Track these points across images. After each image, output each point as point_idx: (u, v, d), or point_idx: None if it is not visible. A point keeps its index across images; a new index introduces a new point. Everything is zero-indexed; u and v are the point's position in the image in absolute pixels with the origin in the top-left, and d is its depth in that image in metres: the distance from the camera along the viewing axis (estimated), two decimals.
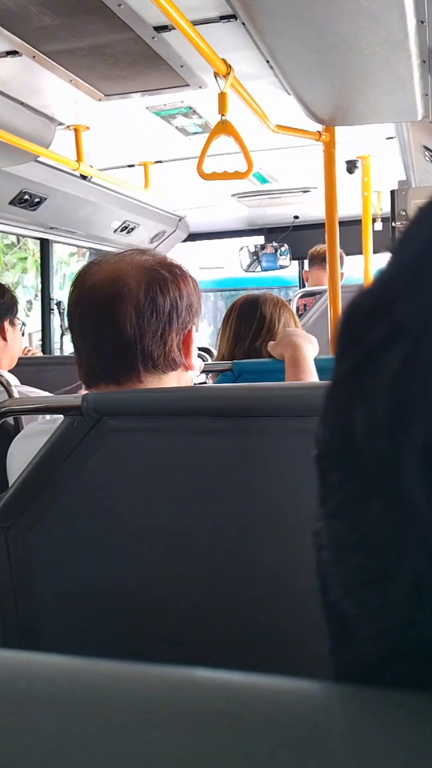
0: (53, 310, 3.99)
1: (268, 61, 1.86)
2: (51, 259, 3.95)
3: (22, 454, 0.97)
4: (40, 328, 4.09)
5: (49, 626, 0.94)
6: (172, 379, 0.99)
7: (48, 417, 1.11)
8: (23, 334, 1.98)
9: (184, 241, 4.72)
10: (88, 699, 0.22)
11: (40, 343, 4.15)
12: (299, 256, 4.47)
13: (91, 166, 2.77)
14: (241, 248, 4.49)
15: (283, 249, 4.38)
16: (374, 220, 3.44)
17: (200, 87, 2.12)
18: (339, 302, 2.35)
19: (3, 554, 0.91)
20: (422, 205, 0.24)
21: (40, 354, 3.59)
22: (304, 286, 4.07)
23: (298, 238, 4.46)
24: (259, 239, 4.67)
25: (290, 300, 3.54)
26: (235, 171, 1.92)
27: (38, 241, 3.91)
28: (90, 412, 0.86)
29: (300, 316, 3.26)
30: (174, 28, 1.64)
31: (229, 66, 1.74)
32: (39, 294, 4.14)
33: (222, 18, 1.69)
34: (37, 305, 4.20)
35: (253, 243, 4.52)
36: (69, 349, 4.07)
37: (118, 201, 3.58)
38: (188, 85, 2.10)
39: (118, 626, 0.90)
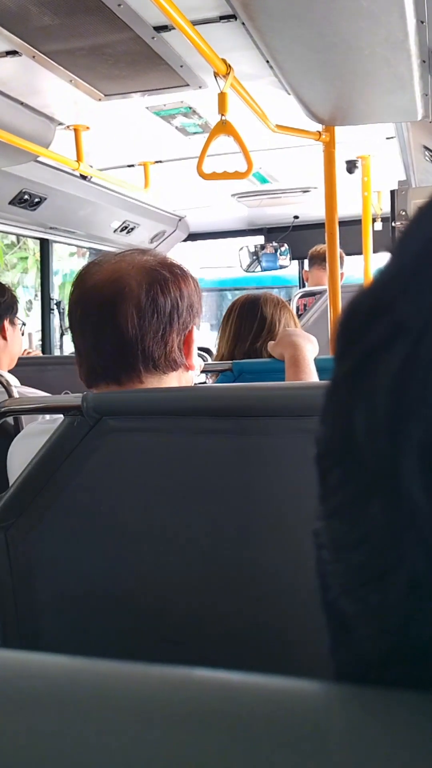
0: (53, 310, 3.99)
1: (267, 61, 1.86)
2: (51, 259, 3.95)
3: (22, 454, 0.97)
4: (39, 328, 4.09)
5: (49, 626, 0.94)
6: (173, 380, 0.99)
7: (48, 417, 1.11)
8: (23, 334, 1.97)
9: (184, 241, 4.72)
10: (88, 699, 0.22)
11: (40, 343, 4.15)
12: (299, 256, 4.47)
13: (91, 166, 2.77)
14: (241, 248, 4.49)
15: (283, 249, 4.38)
16: (374, 220, 3.44)
17: (200, 87, 2.12)
18: (339, 302, 2.35)
19: (3, 554, 0.91)
20: (422, 204, 0.24)
21: (39, 354, 3.59)
22: (303, 286, 4.08)
23: (298, 238, 4.46)
24: (259, 239, 4.67)
25: (290, 300, 3.54)
26: (235, 171, 1.92)
27: (38, 241, 3.91)
28: (90, 411, 0.86)
29: (300, 316, 3.26)
30: (174, 28, 1.64)
31: (229, 66, 1.74)
32: (39, 294, 4.14)
33: (222, 18, 1.69)
34: (37, 305, 4.20)
35: (253, 243, 4.52)
36: (69, 349, 4.07)
37: (117, 201, 3.58)
38: (188, 85, 2.10)
39: (118, 626, 0.90)
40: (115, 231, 3.91)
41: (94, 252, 4.39)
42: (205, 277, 7.80)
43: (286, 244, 4.40)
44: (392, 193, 2.63)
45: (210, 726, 0.20)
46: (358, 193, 3.03)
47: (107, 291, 0.94)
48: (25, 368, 2.01)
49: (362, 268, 3.18)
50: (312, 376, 1.52)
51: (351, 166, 3.19)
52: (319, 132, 2.29)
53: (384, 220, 3.80)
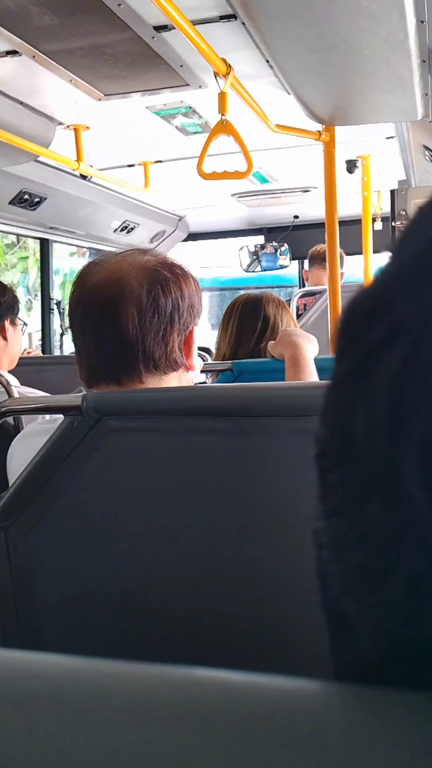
0: (53, 309, 3.99)
1: (267, 61, 1.86)
2: (51, 259, 3.95)
3: (22, 453, 0.97)
4: (39, 328, 4.09)
5: (49, 626, 0.94)
6: (173, 380, 0.99)
7: (48, 417, 1.11)
8: (23, 333, 1.97)
9: (184, 240, 4.72)
10: (88, 699, 0.22)
11: (40, 343, 4.15)
12: (299, 256, 4.47)
13: (91, 166, 2.77)
14: (241, 248, 4.49)
15: (282, 249, 4.38)
16: (374, 220, 3.44)
17: (200, 87, 2.12)
18: (339, 302, 2.35)
19: (3, 554, 0.91)
20: (422, 204, 0.24)
21: (39, 354, 3.59)
22: (303, 286, 4.08)
23: (297, 237, 4.46)
24: (259, 239, 4.67)
25: (290, 299, 3.54)
26: (235, 171, 1.92)
27: (38, 241, 3.91)
28: (90, 411, 0.86)
29: (300, 315, 3.26)
30: (174, 28, 1.64)
31: (229, 66, 1.74)
32: (39, 294, 4.14)
33: (222, 18, 1.69)
34: (37, 305, 4.20)
35: (253, 243, 4.52)
36: (69, 349, 4.07)
37: (117, 201, 3.58)
38: (188, 84, 2.10)
39: (118, 626, 0.90)
40: (115, 231, 3.91)
41: (94, 252, 4.40)
42: (205, 276, 7.80)
43: (286, 244, 4.40)
44: (392, 192, 2.63)
45: (210, 725, 0.20)
46: (358, 192, 3.03)
47: (108, 291, 0.94)
48: (25, 368, 2.01)
49: (362, 267, 3.18)
50: (312, 376, 1.52)
51: (351, 165, 3.19)
52: (319, 132, 2.29)
53: (384, 219, 3.80)
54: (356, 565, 0.22)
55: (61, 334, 4.07)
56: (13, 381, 1.57)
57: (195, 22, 1.59)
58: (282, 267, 4.47)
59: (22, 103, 2.24)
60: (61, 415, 0.89)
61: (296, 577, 0.78)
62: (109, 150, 2.88)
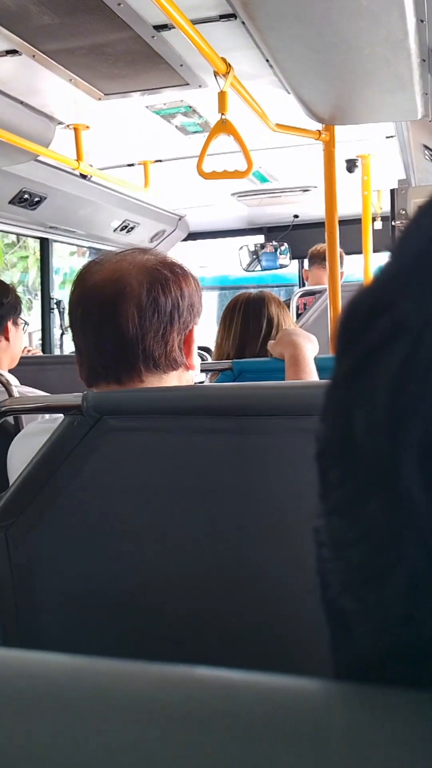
0: (53, 309, 3.99)
1: (267, 61, 1.86)
2: (51, 259, 3.95)
3: (23, 453, 0.97)
4: (39, 327, 4.09)
5: (49, 625, 0.94)
6: (173, 379, 0.99)
7: (48, 416, 1.11)
8: (24, 332, 1.97)
9: (184, 240, 4.72)
10: (88, 698, 0.22)
11: (40, 342, 4.15)
12: (299, 255, 4.47)
13: (91, 166, 2.77)
14: (241, 247, 4.49)
15: (282, 248, 4.38)
16: (374, 219, 3.43)
17: (200, 86, 2.12)
18: (339, 301, 2.35)
19: (3, 553, 0.91)
20: (422, 204, 0.24)
21: (39, 353, 3.59)
22: (303, 285, 4.08)
23: (297, 237, 4.46)
24: (259, 238, 4.67)
25: (290, 299, 3.54)
26: (235, 170, 1.92)
27: (38, 240, 3.91)
28: (90, 411, 0.86)
29: (300, 315, 3.26)
30: (174, 27, 1.64)
31: (229, 65, 1.73)
32: (38, 293, 4.14)
33: (222, 17, 1.69)
34: (37, 304, 4.20)
35: (253, 242, 4.52)
36: (68, 348, 4.07)
37: (117, 200, 3.58)
38: (188, 84, 2.10)
39: (118, 625, 0.90)
40: (115, 230, 3.91)
41: (94, 251, 4.39)
42: (206, 275, 7.80)
43: (286, 243, 4.40)
44: (392, 192, 2.63)
45: (211, 724, 0.20)
46: (358, 192, 3.03)
47: (108, 290, 0.95)
48: (25, 368, 2.01)
49: (362, 267, 3.18)
50: (312, 376, 1.52)
51: (351, 165, 3.19)
52: (319, 131, 2.29)
53: (384, 219, 3.80)
54: (356, 564, 0.22)
55: (61, 334, 4.07)
56: (13, 380, 1.57)
57: (195, 22, 1.59)
58: (282, 266, 4.47)
59: (22, 102, 2.24)
60: (61, 415, 0.89)
61: (296, 576, 0.78)
62: (109, 149, 2.88)
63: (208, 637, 0.86)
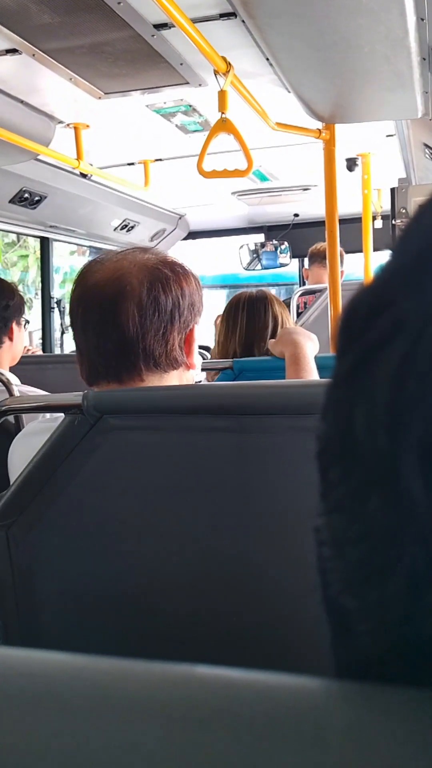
0: (53, 308, 3.99)
1: (267, 59, 1.86)
2: (51, 258, 3.95)
3: (23, 452, 0.97)
4: (40, 326, 4.09)
5: (50, 624, 0.94)
6: (174, 378, 0.99)
7: (48, 415, 1.11)
8: (25, 331, 1.98)
9: (184, 239, 4.72)
10: (89, 696, 0.22)
11: (41, 341, 4.15)
12: (299, 254, 4.47)
13: (91, 165, 2.77)
14: (242, 246, 4.48)
15: (283, 247, 4.38)
16: (374, 218, 3.43)
17: (200, 85, 2.12)
18: (339, 300, 2.35)
19: (4, 552, 0.91)
20: (422, 202, 0.24)
21: (40, 352, 3.59)
22: (304, 284, 4.07)
23: (298, 236, 4.46)
24: (259, 237, 4.67)
25: (290, 297, 3.54)
26: (235, 169, 1.92)
27: (38, 239, 3.91)
28: (90, 410, 0.86)
29: (300, 314, 3.26)
30: (174, 26, 1.64)
31: (229, 64, 1.73)
32: (39, 292, 4.14)
33: (222, 16, 1.69)
34: (37, 303, 4.20)
35: (253, 241, 4.52)
36: (69, 347, 4.08)
37: (118, 199, 3.58)
38: (188, 83, 2.10)
39: (119, 624, 0.90)
40: (115, 229, 3.91)
41: (94, 250, 4.39)
42: (206, 273, 7.79)
43: (286, 242, 4.40)
44: (392, 190, 2.63)
45: (212, 722, 0.20)
46: (358, 190, 3.03)
47: (109, 289, 0.95)
48: (26, 367, 2.02)
49: (362, 266, 3.18)
50: (312, 374, 1.52)
51: (351, 163, 3.19)
52: (319, 130, 2.29)
53: (384, 217, 3.79)
54: (356, 563, 0.22)
55: (62, 333, 4.07)
56: (14, 380, 1.57)
57: (195, 20, 1.59)
58: (282, 265, 4.46)
59: (22, 101, 2.24)
60: (62, 414, 0.89)
61: (297, 574, 0.78)
62: (109, 148, 2.88)
63: (208, 636, 0.86)
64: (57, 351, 4.04)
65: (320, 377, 1.53)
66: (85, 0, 1.57)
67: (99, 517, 0.90)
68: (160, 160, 3.08)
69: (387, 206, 3.04)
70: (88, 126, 2.51)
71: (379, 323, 0.21)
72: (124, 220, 3.87)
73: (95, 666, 0.23)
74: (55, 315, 4.00)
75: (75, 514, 0.90)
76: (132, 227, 4.00)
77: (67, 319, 3.91)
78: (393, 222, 2.61)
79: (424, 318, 0.20)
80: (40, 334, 4.14)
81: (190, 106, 2.37)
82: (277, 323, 1.82)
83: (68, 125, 2.49)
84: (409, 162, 2.92)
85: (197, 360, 1.03)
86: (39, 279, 4.12)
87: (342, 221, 2.40)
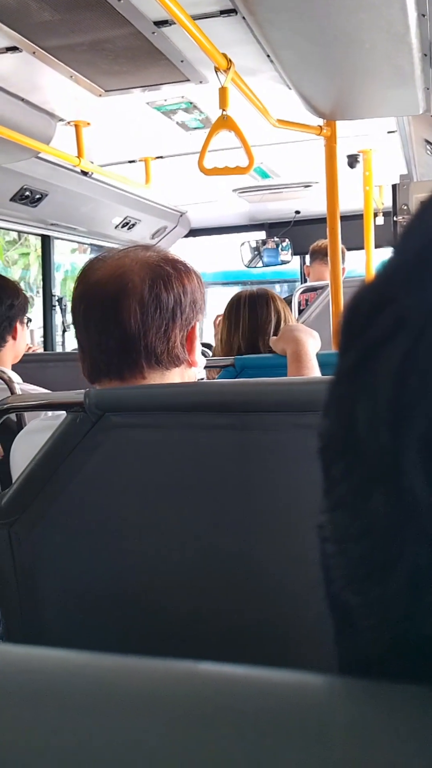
0: (55, 306, 3.99)
1: (268, 56, 1.86)
2: (52, 256, 3.95)
3: (25, 450, 0.97)
4: (41, 324, 4.09)
5: (53, 621, 0.94)
6: (176, 375, 0.99)
7: (50, 413, 1.12)
8: (27, 329, 1.99)
9: (186, 236, 4.72)
10: (92, 693, 0.22)
11: (42, 339, 4.15)
12: (300, 251, 4.46)
13: (92, 162, 2.76)
14: (243, 243, 4.48)
15: (284, 244, 4.37)
16: (376, 215, 3.42)
17: (201, 82, 2.11)
18: (341, 297, 2.35)
19: (7, 550, 0.91)
20: (424, 199, 0.24)
21: (41, 350, 3.59)
22: (305, 281, 4.07)
23: (299, 233, 4.45)
24: (261, 234, 4.66)
25: (292, 295, 3.54)
26: (236, 166, 1.92)
27: (39, 237, 3.91)
28: (92, 408, 0.86)
29: (302, 311, 3.26)
30: (174, 23, 1.64)
31: (230, 61, 1.73)
32: (40, 290, 4.15)
33: (222, 12, 1.68)
34: (38, 301, 4.20)
35: (255, 238, 4.52)
36: (70, 345, 4.08)
37: (118, 197, 3.57)
38: (189, 80, 2.10)
39: (121, 621, 0.90)
40: (116, 227, 3.91)
41: (95, 248, 4.39)
42: (208, 270, 7.79)
43: (287, 239, 4.39)
44: (394, 187, 2.62)
45: (215, 719, 0.20)
46: (359, 187, 3.02)
47: (110, 287, 0.95)
48: (27, 365, 2.02)
49: (364, 263, 3.18)
50: (314, 372, 1.52)
51: (352, 160, 3.19)
52: (320, 126, 2.29)
53: (386, 214, 3.78)
54: (359, 559, 0.22)
55: (63, 331, 4.08)
56: (16, 378, 1.57)
57: (195, 17, 1.59)
58: (283, 262, 4.46)
59: (22, 99, 2.24)
60: (64, 412, 0.89)
61: (299, 571, 0.78)
62: (110, 146, 2.88)
63: (210, 634, 0.86)
64: (58, 349, 4.04)
65: (322, 374, 1.53)
66: None
67: (101, 514, 0.90)
68: (161, 157, 3.08)
69: (388, 203, 3.03)
70: (88, 124, 2.51)
71: (381, 320, 0.21)
72: (125, 218, 3.87)
73: (98, 663, 0.23)
74: (57, 313, 4.01)
75: (77, 511, 0.90)
76: (133, 225, 4.00)
77: (69, 317, 3.91)
78: (394, 219, 2.60)
79: (425, 315, 0.20)
80: (41, 332, 4.14)
81: (191, 103, 2.37)
82: (279, 318, 1.82)
83: (69, 123, 2.49)
84: (411, 158, 2.92)
85: (200, 358, 1.03)
86: (40, 277, 4.13)
87: (343, 218, 2.40)
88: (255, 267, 4.50)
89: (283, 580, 0.83)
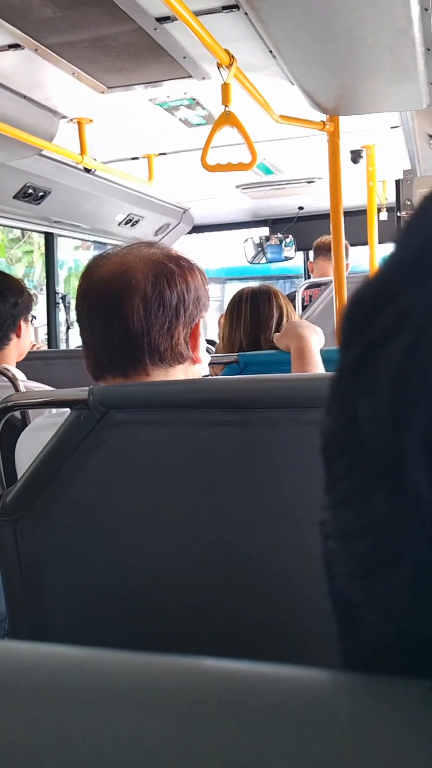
0: (58, 303, 3.99)
1: (271, 51, 1.85)
2: (55, 253, 3.95)
3: (30, 447, 0.97)
4: (45, 322, 4.09)
5: (58, 618, 0.94)
6: (179, 372, 0.99)
7: (55, 411, 1.12)
8: (32, 326, 1.99)
9: (189, 233, 4.71)
10: (97, 689, 0.22)
11: (46, 337, 4.15)
12: (304, 247, 4.45)
13: (95, 159, 2.76)
14: (246, 240, 4.47)
15: (287, 240, 4.36)
16: (379, 210, 3.41)
17: (203, 78, 2.11)
18: (344, 293, 2.35)
19: (12, 546, 0.92)
20: (426, 194, 0.24)
21: (45, 348, 3.59)
22: (309, 277, 4.06)
23: (302, 229, 4.44)
24: (264, 230, 4.66)
25: (295, 291, 3.53)
26: (239, 162, 1.92)
27: (42, 235, 3.91)
28: (96, 405, 0.86)
29: (305, 307, 3.26)
30: (176, 19, 1.63)
31: (232, 57, 1.73)
32: (44, 288, 4.15)
33: (224, 8, 1.68)
34: (42, 299, 4.20)
35: (258, 234, 4.51)
36: (74, 343, 4.08)
37: (122, 194, 3.57)
38: (191, 76, 2.09)
39: (125, 618, 0.90)
40: (119, 224, 3.90)
41: (99, 245, 4.39)
42: (211, 267, 7.79)
43: (291, 235, 4.38)
44: (397, 182, 2.61)
45: (218, 714, 0.20)
46: (363, 182, 3.01)
47: (114, 284, 0.95)
48: (31, 362, 2.02)
49: (368, 258, 3.17)
50: (318, 368, 1.52)
51: (355, 156, 3.18)
52: (323, 122, 2.28)
53: (389, 209, 3.77)
54: (362, 555, 0.22)
55: (67, 328, 4.08)
56: (20, 375, 1.58)
57: (197, 13, 1.58)
58: (287, 259, 4.45)
59: (25, 97, 2.24)
60: (68, 409, 0.89)
61: (302, 568, 0.78)
62: (113, 143, 2.87)
63: (213, 631, 0.86)
64: (62, 346, 4.05)
65: (326, 370, 1.52)
66: None
67: (105, 511, 0.90)
68: (164, 154, 3.08)
69: (392, 198, 3.03)
70: (91, 121, 2.51)
71: (382, 318, 0.21)
72: (128, 215, 3.87)
73: (102, 659, 0.23)
74: (60, 310, 4.01)
75: (81, 508, 0.90)
76: (136, 222, 3.99)
77: (73, 315, 3.92)
78: (398, 214, 2.60)
79: (426, 312, 0.20)
80: (45, 329, 4.15)
81: (194, 99, 2.36)
82: (282, 314, 1.82)
83: (71, 120, 2.49)
84: (414, 153, 2.91)
85: (204, 354, 1.03)
86: (44, 274, 4.13)
87: (347, 213, 2.39)
88: (258, 263, 4.50)
89: (287, 576, 0.84)
